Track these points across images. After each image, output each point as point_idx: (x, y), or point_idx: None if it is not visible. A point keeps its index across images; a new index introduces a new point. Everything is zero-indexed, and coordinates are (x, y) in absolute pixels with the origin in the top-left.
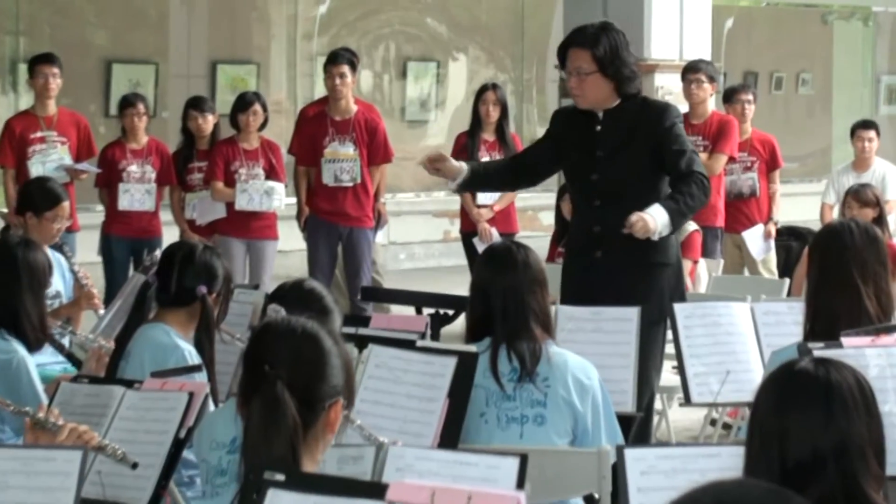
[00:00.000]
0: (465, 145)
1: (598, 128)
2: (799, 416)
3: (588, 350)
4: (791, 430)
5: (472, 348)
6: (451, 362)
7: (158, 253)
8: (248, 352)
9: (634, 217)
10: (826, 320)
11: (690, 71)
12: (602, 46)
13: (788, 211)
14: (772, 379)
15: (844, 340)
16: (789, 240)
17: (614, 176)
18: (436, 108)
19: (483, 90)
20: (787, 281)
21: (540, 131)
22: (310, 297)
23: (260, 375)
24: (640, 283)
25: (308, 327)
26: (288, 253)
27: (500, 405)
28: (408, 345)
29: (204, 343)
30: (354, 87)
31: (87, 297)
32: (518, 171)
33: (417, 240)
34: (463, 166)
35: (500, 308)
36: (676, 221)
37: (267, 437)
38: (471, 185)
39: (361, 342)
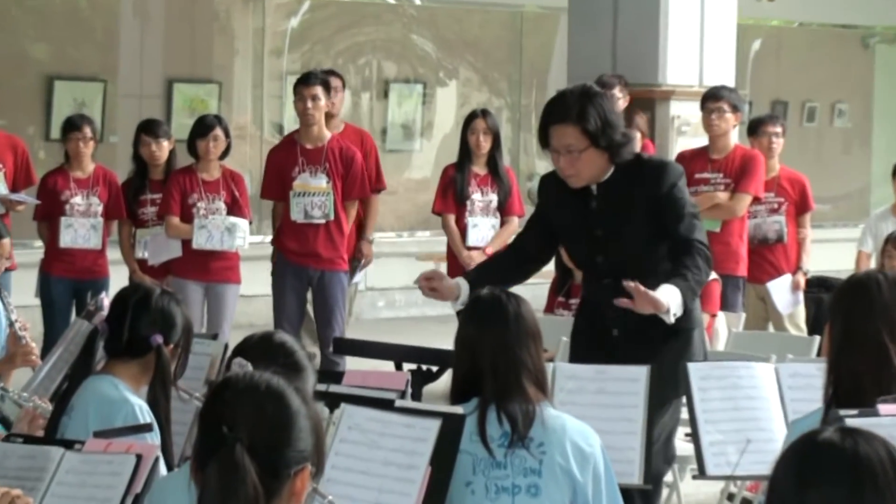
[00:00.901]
0: (453, 179)
1: (594, 204)
2: (822, 494)
3: (590, 413)
4: None
5: (458, 409)
6: (433, 425)
7: (104, 296)
8: (204, 410)
9: (641, 301)
10: (850, 384)
11: (711, 99)
12: (591, 118)
13: (820, 259)
14: (792, 451)
15: (882, 408)
16: (820, 292)
17: (620, 255)
18: (421, 136)
19: (472, 117)
20: (816, 339)
21: (539, 166)
22: (280, 351)
23: (217, 438)
24: (667, 353)
25: (273, 384)
26: (251, 298)
27: (488, 473)
28: (385, 405)
29: (159, 399)
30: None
31: (24, 353)
32: (521, 264)
33: (398, 285)
34: (459, 283)
35: (490, 365)
36: (689, 300)
37: None
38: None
39: (333, 401)
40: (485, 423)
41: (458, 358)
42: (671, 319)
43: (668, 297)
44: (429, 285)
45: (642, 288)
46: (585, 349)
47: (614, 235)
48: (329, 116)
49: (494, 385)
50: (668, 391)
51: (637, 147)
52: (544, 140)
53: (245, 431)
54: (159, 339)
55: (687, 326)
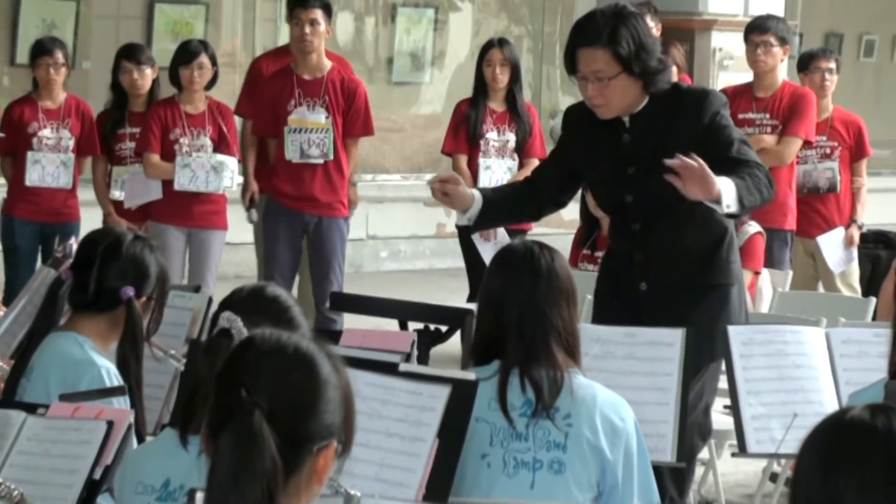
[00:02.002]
0: (466, 116)
1: (626, 137)
2: (854, 480)
3: (618, 382)
4: (844, 501)
5: (471, 375)
6: (442, 392)
7: (73, 242)
8: (222, 371)
9: (702, 168)
10: None
11: (757, 30)
12: (624, 41)
13: (877, 212)
14: (817, 433)
15: None
16: (877, 248)
17: (652, 196)
18: (432, 66)
19: (488, 47)
20: (872, 300)
21: (564, 101)
22: (273, 306)
23: (235, 402)
24: (701, 312)
25: (302, 347)
26: (238, 247)
27: (507, 445)
28: (388, 368)
29: (129, 360)
30: (329, 39)
31: None
32: (537, 199)
33: (404, 234)
34: (475, 194)
35: (516, 324)
36: (746, 201)
37: (238, 482)
38: (486, 219)
39: None
40: (506, 389)
41: (481, 313)
42: (724, 209)
43: (723, 186)
44: (442, 188)
45: (692, 162)
46: (609, 306)
47: (648, 173)
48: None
49: (519, 347)
50: (703, 356)
51: (674, 77)
52: (571, 65)
53: (266, 397)
54: (130, 291)
55: (724, 282)
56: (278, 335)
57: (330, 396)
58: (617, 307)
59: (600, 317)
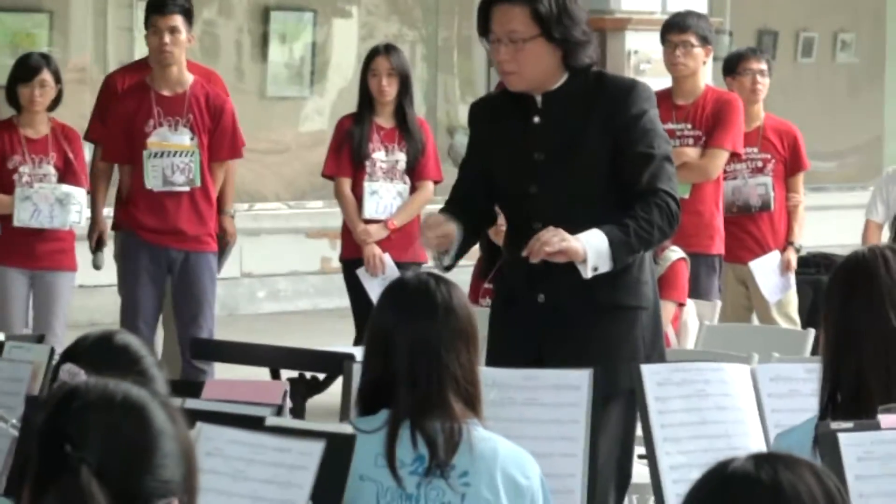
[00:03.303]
0: (350, 134)
1: (536, 119)
2: None
3: (519, 431)
4: None
5: (347, 428)
6: (316, 449)
7: None
8: (43, 426)
9: (548, 233)
10: (851, 387)
11: (674, 29)
12: (546, 0)
13: (817, 232)
14: (699, 490)
15: (884, 419)
16: (818, 273)
17: (559, 187)
18: (312, 80)
19: (372, 55)
20: (811, 332)
21: (463, 115)
22: (122, 357)
23: (59, 459)
24: (603, 336)
25: (132, 395)
26: (92, 290)
27: None
28: (254, 423)
29: None
30: (191, 49)
31: None
32: (469, 217)
33: (283, 271)
34: (455, 229)
35: (407, 369)
36: (620, 257)
37: None
38: (460, 250)
39: (189, 419)
40: (395, 443)
41: (368, 355)
42: (588, 273)
43: (589, 242)
44: (436, 233)
45: (551, 231)
46: (504, 318)
47: (556, 162)
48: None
49: (411, 395)
50: (598, 388)
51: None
52: (483, 24)
53: (94, 452)
54: None
55: (633, 304)
56: (104, 383)
57: (167, 449)
58: (513, 321)
59: (493, 331)
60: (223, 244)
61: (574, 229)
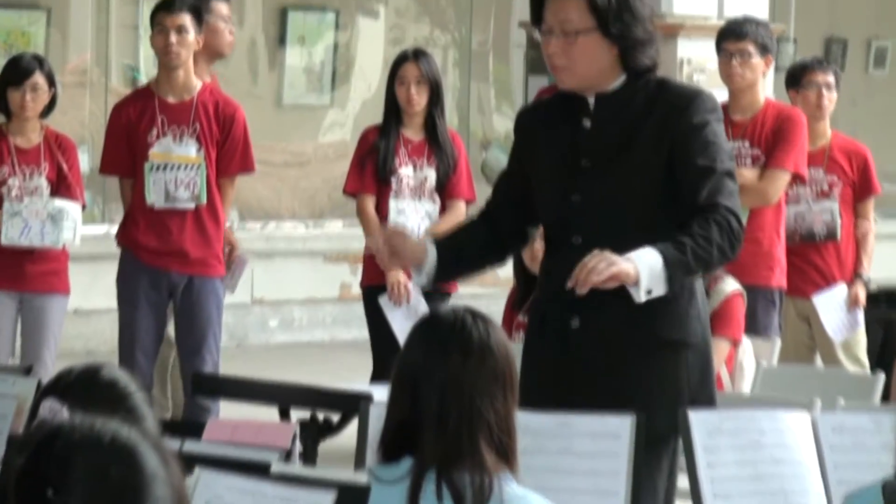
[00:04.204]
0: (375, 147)
1: (587, 122)
2: None
3: (551, 483)
4: None
5: (362, 478)
6: (326, 500)
7: None
8: (23, 469)
9: (594, 259)
10: None
11: (731, 37)
12: None
13: (889, 263)
14: None
15: None
16: (889, 310)
17: (604, 198)
18: (333, 87)
19: (400, 61)
20: (881, 377)
21: (499, 127)
22: (109, 392)
23: None
24: (643, 374)
25: (122, 436)
26: (90, 315)
27: None
28: (258, 470)
29: None
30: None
31: None
32: (499, 234)
33: (299, 297)
34: (425, 245)
35: (435, 412)
36: (676, 279)
37: None
38: (446, 271)
39: (187, 463)
40: (418, 495)
41: (394, 395)
42: (641, 296)
43: (642, 261)
44: (389, 243)
45: (599, 256)
46: (535, 349)
47: (603, 169)
48: (212, 54)
49: (439, 442)
50: (639, 434)
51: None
52: (536, 13)
53: (78, 497)
54: None
55: (680, 338)
56: (91, 423)
57: (158, 494)
58: (543, 347)
59: (523, 364)
60: (229, 261)
61: (617, 246)
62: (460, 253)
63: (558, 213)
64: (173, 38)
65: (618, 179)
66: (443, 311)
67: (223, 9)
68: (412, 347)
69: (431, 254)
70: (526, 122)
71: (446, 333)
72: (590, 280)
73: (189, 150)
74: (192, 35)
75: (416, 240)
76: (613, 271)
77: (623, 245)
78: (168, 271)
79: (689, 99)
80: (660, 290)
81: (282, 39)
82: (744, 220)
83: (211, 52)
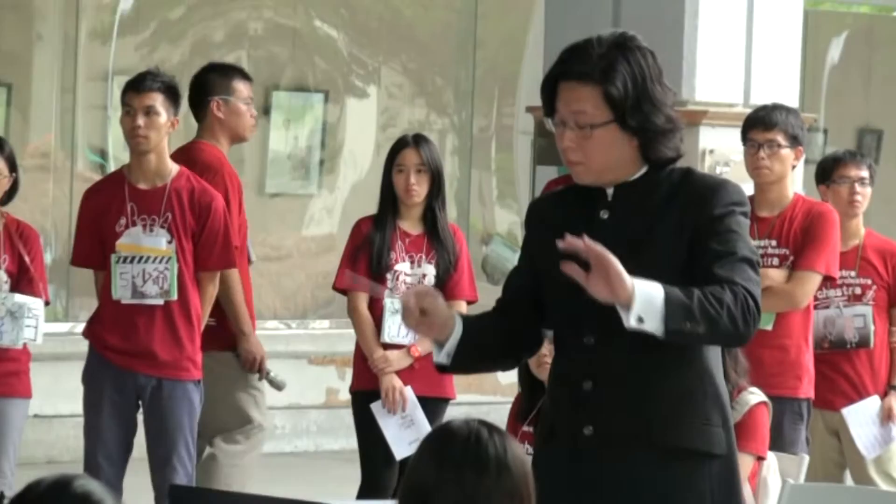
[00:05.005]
0: (369, 240)
1: (604, 214)
2: None
3: None
4: None
5: None
6: None
7: None
8: None
9: (614, 271)
10: None
11: (759, 126)
12: (620, 79)
13: None
14: None
15: None
16: None
17: None
18: (321, 171)
19: (399, 147)
20: None
21: (501, 221)
22: None
23: None
24: (661, 486)
25: None
26: (51, 420)
27: None
28: None
29: None
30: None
31: None
32: (514, 334)
33: (280, 403)
34: (454, 315)
35: None
36: (674, 321)
37: None
38: (465, 356)
39: None
40: None
41: None
42: (630, 321)
43: (640, 286)
44: (421, 305)
45: (598, 248)
46: (541, 466)
47: (622, 261)
48: (233, 138)
49: None
50: None
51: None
52: (549, 103)
53: None
54: None
55: (701, 449)
56: None
57: None
58: (552, 456)
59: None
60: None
61: (633, 347)
62: (482, 341)
63: (570, 312)
64: (141, 120)
65: (635, 275)
66: (455, 423)
67: (245, 90)
68: (421, 463)
69: (458, 328)
70: (538, 213)
71: (460, 448)
72: (596, 279)
73: (159, 242)
74: (163, 117)
75: (446, 308)
76: (613, 262)
77: (639, 346)
78: (135, 373)
79: (713, 189)
80: (653, 324)
81: (267, 123)
82: (769, 326)
83: (232, 136)
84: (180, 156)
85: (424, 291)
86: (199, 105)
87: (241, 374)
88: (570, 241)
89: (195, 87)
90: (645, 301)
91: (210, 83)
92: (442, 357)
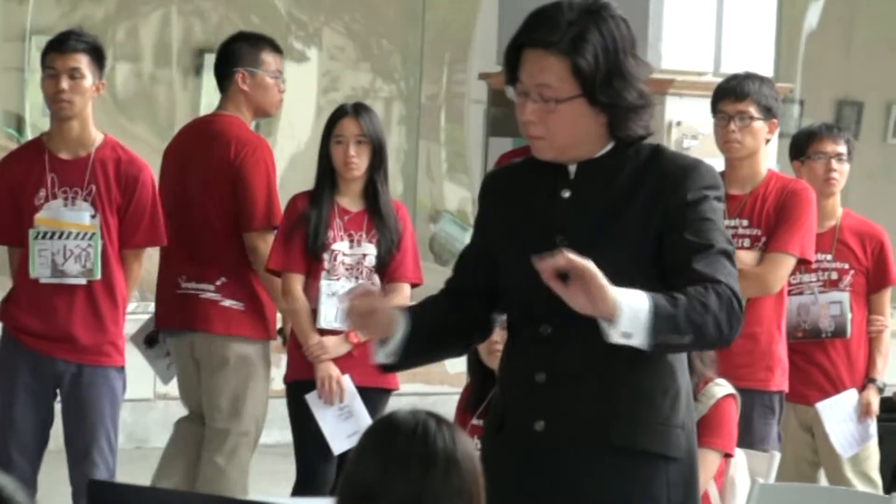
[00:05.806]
0: (304, 217)
1: (566, 193)
2: None
3: None
4: None
5: None
6: None
7: None
8: None
9: (593, 281)
10: None
11: (729, 96)
12: (591, 50)
13: None
14: None
15: None
16: None
17: None
18: None
19: (337, 117)
20: None
21: (450, 196)
22: None
23: None
24: (614, 488)
25: None
26: None
27: None
28: None
29: None
30: (99, 100)
31: None
32: (465, 316)
33: None
34: (396, 314)
35: None
36: (662, 333)
37: None
38: (413, 352)
39: None
40: None
41: None
42: (615, 337)
43: (625, 299)
44: (363, 306)
45: (580, 262)
46: (493, 454)
47: (580, 248)
48: (258, 112)
49: None
50: None
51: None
52: (511, 71)
53: None
54: None
55: (658, 451)
56: None
57: None
58: (502, 457)
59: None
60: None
61: (593, 337)
62: (431, 331)
63: (525, 298)
64: (65, 83)
65: (597, 260)
66: (400, 414)
67: (273, 62)
68: (364, 458)
69: (402, 326)
70: (494, 187)
71: (405, 442)
72: (564, 261)
73: (82, 217)
74: (89, 80)
75: (390, 307)
76: (596, 274)
77: (598, 339)
78: (53, 358)
79: (685, 171)
80: (639, 339)
81: (198, 87)
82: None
83: (256, 110)
84: (202, 128)
85: (363, 290)
86: (224, 75)
87: (257, 370)
88: (548, 263)
89: (221, 56)
90: (631, 317)
91: (237, 53)
92: (383, 357)
